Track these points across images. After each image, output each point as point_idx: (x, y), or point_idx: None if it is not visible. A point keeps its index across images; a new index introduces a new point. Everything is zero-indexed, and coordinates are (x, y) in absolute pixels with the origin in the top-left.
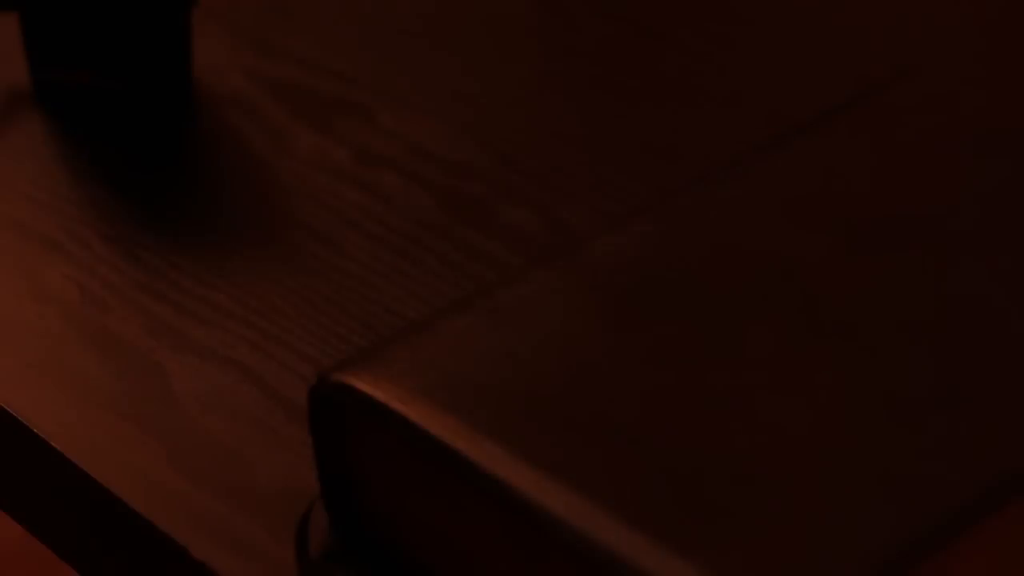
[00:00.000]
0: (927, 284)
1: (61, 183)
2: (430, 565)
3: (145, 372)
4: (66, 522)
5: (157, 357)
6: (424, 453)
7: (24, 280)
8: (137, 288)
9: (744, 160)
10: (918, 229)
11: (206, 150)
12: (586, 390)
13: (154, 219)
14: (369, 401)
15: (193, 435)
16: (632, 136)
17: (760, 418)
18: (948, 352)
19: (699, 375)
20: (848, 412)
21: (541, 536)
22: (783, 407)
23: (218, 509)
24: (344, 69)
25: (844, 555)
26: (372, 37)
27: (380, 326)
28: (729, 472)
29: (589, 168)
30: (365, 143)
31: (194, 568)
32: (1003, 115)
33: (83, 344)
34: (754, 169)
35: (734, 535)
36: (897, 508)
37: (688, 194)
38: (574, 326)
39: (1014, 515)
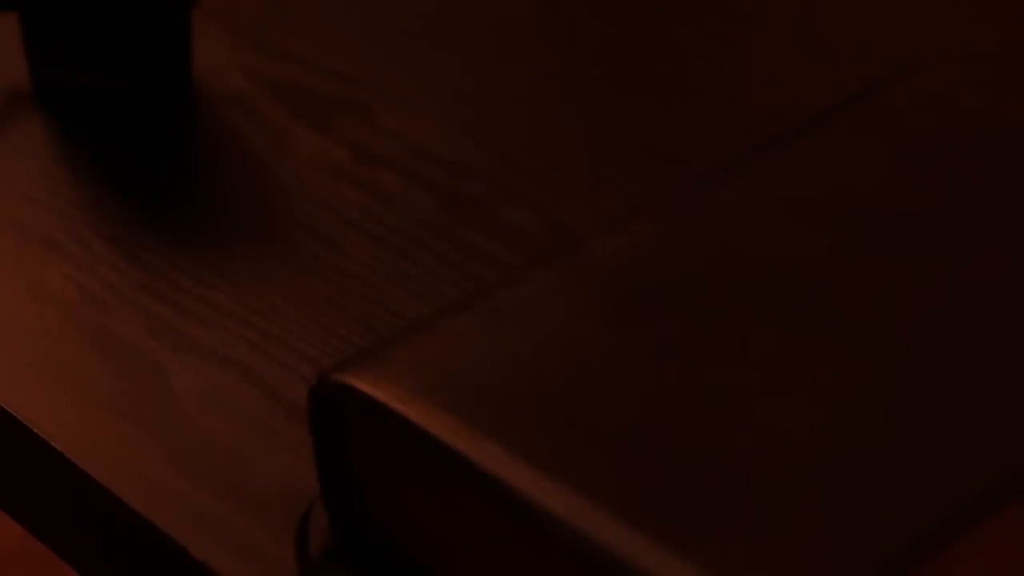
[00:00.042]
0: (927, 284)
1: (61, 183)
2: (430, 565)
3: (145, 372)
4: (66, 522)
5: (157, 357)
6: (424, 453)
7: (24, 280)
8: (137, 288)
9: (744, 160)
10: (918, 229)
11: (206, 150)
12: (586, 390)
13: (154, 219)
14: (369, 401)
15: (193, 435)
16: (632, 136)
17: (760, 418)
18: (948, 352)
19: (699, 375)
20: (848, 412)
21: (541, 536)
22: (783, 407)
23: (218, 509)
24: (344, 69)
25: (844, 555)
26: (372, 37)
27: (380, 326)
28: (729, 472)
29: (589, 168)
30: (365, 143)
31: (194, 568)
32: (1003, 115)
33: (83, 344)
34: (754, 169)
35: (734, 535)
36: (897, 508)
37: (688, 194)
38: (574, 326)
39: (1014, 515)
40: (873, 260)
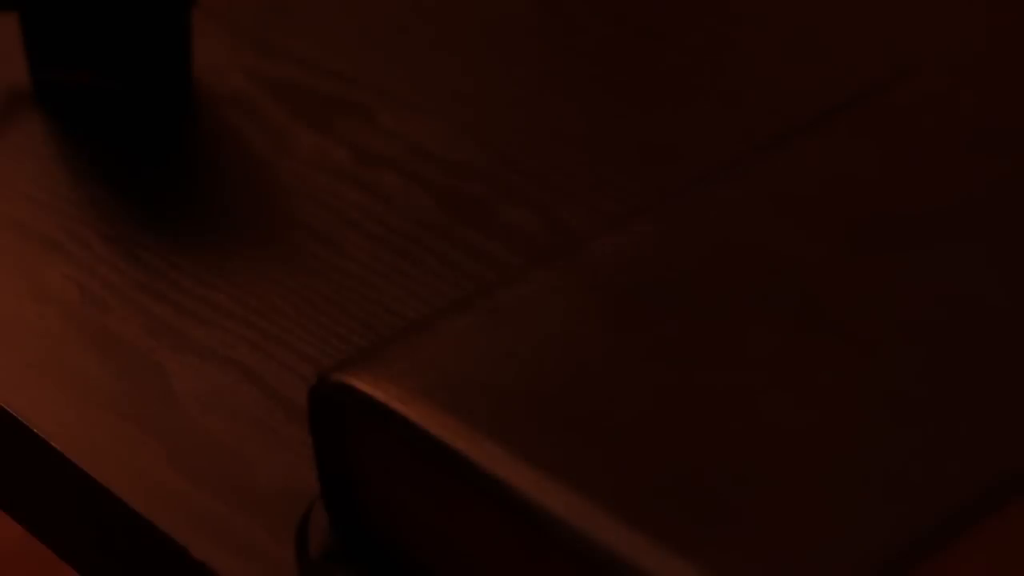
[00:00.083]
0: (927, 284)
1: (61, 183)
2: (430, 565)
3: (145, 372)
4: (66, 522)
5: (157, 357)
6: (424, 453)
7: (24, 280)
8: (137, 288)
9: (744, 160)
10: (918, 229)
11: (206, 150)
12: (586, 390)
13: (154, 219)
14: (369, 401)
15: (193, 435)
16: (632, 136)
17: (760, 418)
18: (948, 352)
19: (699, 375)
20: (848, 412)
21: (541, 536)
22: (783, 407)
23: (218, 509)
24: (344, 69)
25: (844, 555)
26: (372, 37)
27: (380, 326)
28: (729, 472)
29: (589, 168)
30: (365, 143)
31: (194, 568)
32: (1003, 115)
33: (83, 344)
34: (754, 169)
35: (734, 535)
36: (897, 508)
37: (688, 194)
38: (574, 326)
39: (1014, 515)
40: (873, 260)
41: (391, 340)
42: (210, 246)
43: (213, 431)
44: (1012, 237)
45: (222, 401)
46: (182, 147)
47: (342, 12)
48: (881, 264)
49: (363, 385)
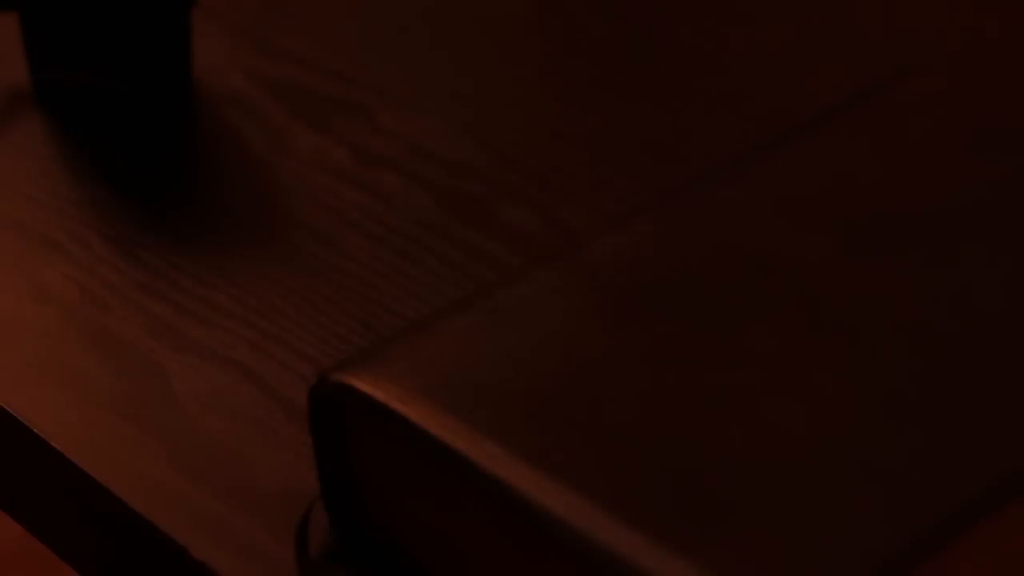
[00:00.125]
0: (927, 284)
1: (61, 183)
2: (430, 565)
3: (145, 372)
4: (66, 522)
5: (157, 357)
6: (424, 453)
7: (24, 280)
8: (137, 288)
9: (744, 160)
10: (918, 229)
11: (206, 150)
12: (586, 390)
13: (154, 219)
14: (369, 401)
15: (193, 435)
16: (632, 136)
17: (760, 418)
18: (948, 352)
19: (699, 375)
20: (847, 412)
21: (541, 536)
22: (783, 407)
23: (218, 509)
24: (344, 69)
25: (844, 555)
26: (372, 37)
27: (380, 326)
28: (729, 472)
29: (589, 168)
30: (365, 143)
31: (194, 568)
32: (1003, 115)
33: (83, 344)
34: (754, 169)
35: (734, 535)
36: (897, 508)
37: (688, 194)
38: (574, 326)
39: (1014, 515)
40: (873, 260)
41: (391, 340)
42: (210, 246)
43: (213, 431)
44: (1012, 237)
45: (222, 401)
46: (182, 147)
47: (342, 12)
48: (881, 264)
49: (363, 385)
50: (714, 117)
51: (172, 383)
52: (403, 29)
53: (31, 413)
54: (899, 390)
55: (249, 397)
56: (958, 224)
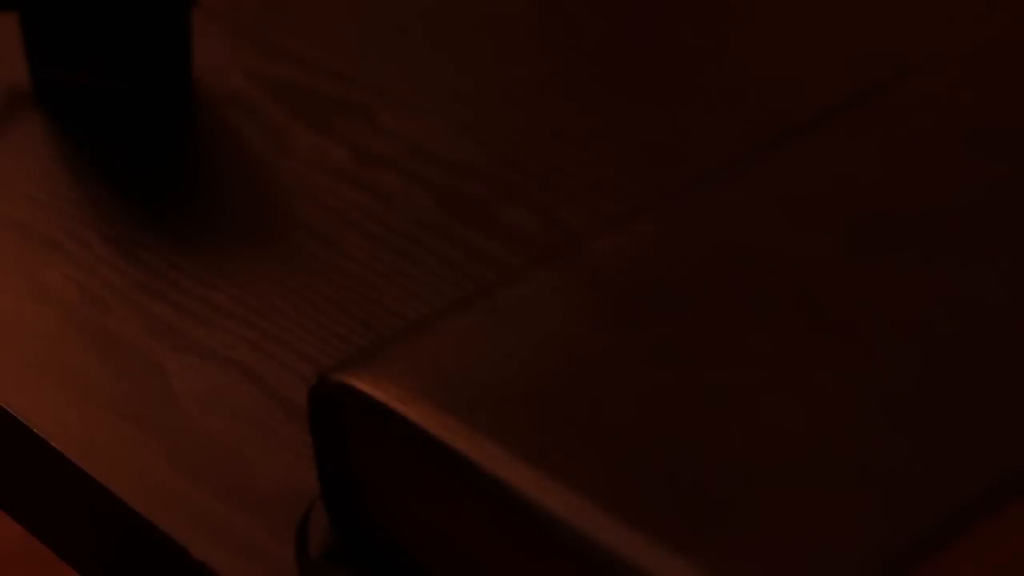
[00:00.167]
0: (927, 284)
1: (61, 183)
2: (430, 565)
3: (145, 372)
4: (66, 522)
5: (157, 357)
6: (424, 453)
7: (24, 280)
8: (137, 288)
9: (744, 160)
10: (918, 229)
11: (206, 150)
12: (586, 390)
13: (154, 219)
14: (369, 401)
15: (193, 435)
16: (632, 136)
17: (760, 418)
18: (948, 352)
19: (699, 375)
20: (848, 412)
21: (541, 536)
22: (783, 407)
23: (218, 509)
24: (344, 69)
25: (844, 555)
26: (372, 37)
27: (380, 326)
28: (729, 472)
29: (589, 168)
30: (365, 143)
31: (194, 568)
32: (1002, 115)
33: (83, 344)
34: (754, 169)
35: (734, 535)
36: (897, 508)
37: (688, 194)
38: (574, 326)
39: (1014, 515)
40: (873, 260)
41: (391, 340)
42: (210, 246)
43: (213, 431)
44: (1012, 237)
45: (222, 401)
46: (182, 147)
47: (342, 12)
48: (881, 264)
49: (363, 385)
50: (714, 117)
51: (172, 383)
52: (403, 29)
53: (31, 413)
54: (899, 390)
55: (249, 397)
56: (958, 224)
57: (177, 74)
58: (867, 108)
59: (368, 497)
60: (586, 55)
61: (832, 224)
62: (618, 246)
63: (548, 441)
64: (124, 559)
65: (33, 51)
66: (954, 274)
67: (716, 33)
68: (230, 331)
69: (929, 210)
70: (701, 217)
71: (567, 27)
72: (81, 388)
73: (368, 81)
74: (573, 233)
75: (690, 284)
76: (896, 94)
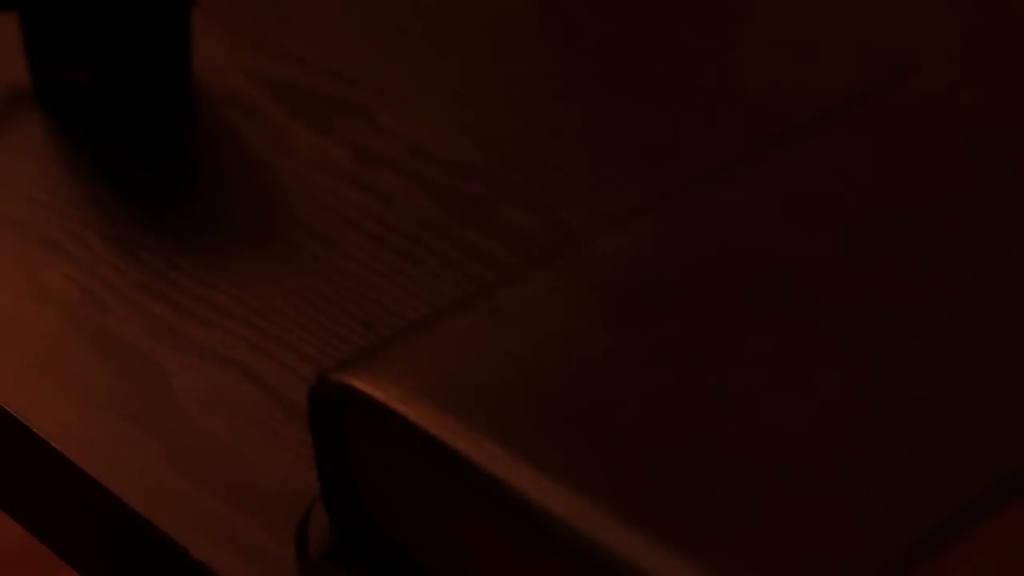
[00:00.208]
0: (927, 284)
1: (61, 183)
2: (430, 565)
3: (145, 372)
4: (66, 522)
5: (157, 357)
6: (424, 453)
7: (24, 280)
8: (137, 288)
9: (744, 160)
10: (918, 229)
11: (206, 150)
12: (586, 390)
13: (154, 219)
14: (369, 401)
15: (193, 435)
16: (632, 136)
17: (760, 418)
18: (947, 352)
19: (699, 375)
20: (847, 412)
21: (541, 536)
22: (783, 407)
23: (218, 509)
24: (344, 69)
25: (844, 555)
26: (372, 37)
27: (380, 326)
28: (729, 472)
29: (589, 168)
30: (365, 143)
31: (194, 568)
32: (1002, 115)
33: (83, 344)
34: (754, 169)
35: (734, 535)
36: (897, 508)
37: (688, 194)
38: (574, 326)
39: (1014, 515)
40: (873, 260)
41: (391, 340)
42: (210, 246)
43: (213, 431)
44: (1012, 237)
45: (222, 401)
46: (182, 147)
47: (342, 12)
48: (881, 264)
49: (363, 385)
50: (714, 117)
51: (172, 383)
52: (403, 29)
53: (31, 413)
54: (899, 390)
55: (249, 397)
56: (958, 224)
57: (177, 74)
58: (867, 108)
59: (368, 497)
60: (586, 55)
61: (832, 224)
62: (618, 246)
63: (548, 441)
64: (124, 559)
65: (33, 51)
66: (954, 274)
67: (716, 33)
68: (230, 331)
69: (929, 210)
70: (701, 217)
71: (567, 27)
72: (81, 388)
73: (368, 81)
74: (573, 233)
75: (690, 284)
76: (896, 94)
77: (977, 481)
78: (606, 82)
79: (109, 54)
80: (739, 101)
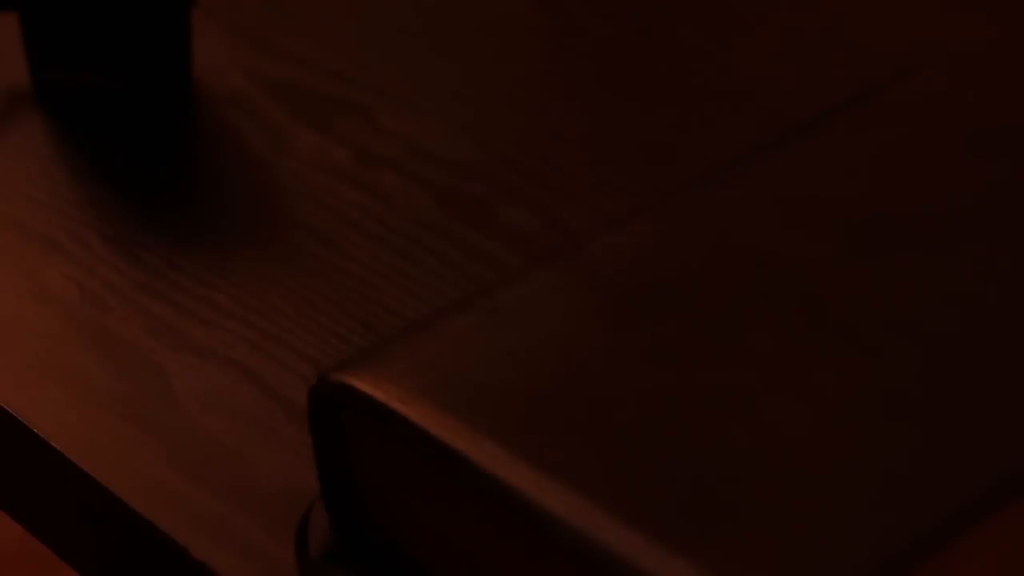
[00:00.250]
0: (927, 284)
1: (61, 183)
2: (430, 565)
3: (145, 372)
4: (66, 522)
5: (157, 357)
6: (424, 453)
7: (24, 280)
8: (137, 288)
9: (744, 160)
10: (918, 229)
11: (206, 150)
12: (586, 390)
13: (154, 219)
14: (369, 401)
15: (193, 435)
16: (632, 136)
17: (760, 418)
18: (948, 352)
19: (699, 375)
20: (848, 412)
21: (541, 536)
22: (783, 407)
23: (218, 509)
24: (344, 69)
25: (844, 555)
26: (372, 37)
27: (380, 326)
28: (729, 472)
29: (589, 168)
30: (365, 143)
31: (194, 568)
32: (1003, 115)
33: (83, 344)
34: (754, 169)
35: (734, 535)
36: (897, 508)
37: (688, 194)
38: (574, 326)
39: (1014, 515)
40: (873, 260)
41: (391, 340)
42: (210, 246)
43: (213, 431)
44: (1012, 237)
45: (222, 401)
46: (182, 147)
47: (342, 12)
48: (881, 264)
49: (363, 385)
50: (714, 117)
51: (172, 383)
52: (403, 29)
53: (31, 413)
54: (899, 390)
55: (249, 397)
56: (958, 224)
57: (177, 74)
58: (867, 108)
59: (368, 497)
60: (586, 55)
61: (832, 224)
62: (618, 246)
63: (548, 441)
64: (124, 559)
65: (33, 51)
66: (954, 274)
67: (716, 33)
68: (230, 331)
69: (929, 210)
70: (701, 217)
71: (567, 27)
72: (81, 388)
73: (368, 81)
74: (573, 233)
75: (690, 284)
76: (896, 94)
77: (977, 481)
78: (606, 82)
79: (109, 54)
80: (739, 101)
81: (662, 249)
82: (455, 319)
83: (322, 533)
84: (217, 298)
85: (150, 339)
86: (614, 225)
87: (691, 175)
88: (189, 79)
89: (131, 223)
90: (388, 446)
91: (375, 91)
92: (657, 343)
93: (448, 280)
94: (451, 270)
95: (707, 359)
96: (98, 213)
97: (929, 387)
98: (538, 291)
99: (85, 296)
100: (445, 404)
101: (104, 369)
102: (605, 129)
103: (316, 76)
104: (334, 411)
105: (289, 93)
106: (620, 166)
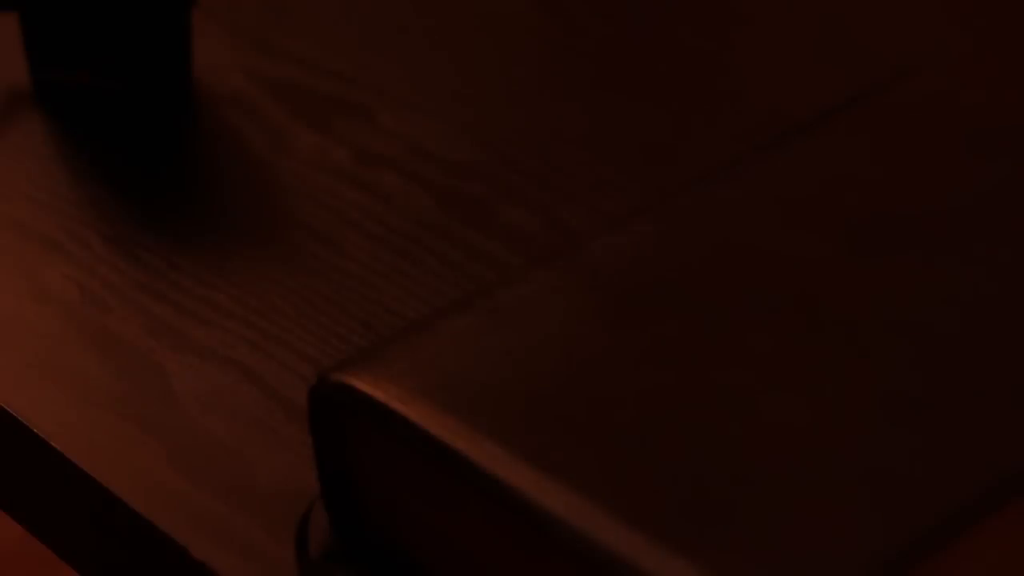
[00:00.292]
0: (927, 284)
1: (61, 183)
2: (430, 565)
3: (145, 372)
4: (66, 522)
5: (157, 357)
6: (424, 453)
7: (24, 280)
8: (137, 288)
9: (744, 160)
10: (918, 229)
11: (206, 150)
12: (586, 390)
13: (154, 219)
14: (369, 401)
15: (193, 435)
16: (632, 136)
17: (760, 418)
18: (948, 352)
19: (699, 375)
20: (848, 412)
21: (541, 536)
22: (783, 407)
23: (218, 509)
24: (344, 69)
25: (844, 555)
26: (372, 37)
27: (380, 326)
28: (729, 472)
29: (589, 168)
30: (365, 143)
31: (194, 568)
32: (1003, 115)
33: (83, 344)
34: (754, 169)
35: (734, 535)
36: (897, 508)
37: (688, 194)
38: (574, 326)
39: (1014, 515)
40: (873, 260)
41: (391, 340)
42: (210, 246)
43: (213, 431)
44: (1012, 237)
45: (222, 401)
46: (182, 147)
47: (342, 12)
48: (881, 264)
49: (363, 385)
50: (714, 117)
51: (172, 383)
52: (403, 29)
53: (31, 413)
54: (899, 390)
55: (249, 397)
56: (958, 224)
57: (177, 74)
58: (867, 108)
59: (368, 497)
60: (586, 55)
61: (832, 224)
62: (618, 246)
63: (548, 441)
64: (124, 559)
65: (33, 51)
66: (954, 274)
67: (716, 33)
68: (230, 331)
69: (929, 210)
70: (701, 217)
71: (567, 27)
72: (81, 388)
73: (368, 81)
74: (573, 233)
75: (690, 284)
76: (896, 94)
77: (977, 481)
78: (606, 82)
79: (109, 54)
80: (739, 101)
81: (662, 249)
82: (455, 319)
83: (322, 533)
84: (217, 298)
85: (150, 339)
86: (614, 225)
87: (691, 175)
88: (189, 79)
89: (131, 223)
90: (388, 446)
91: (375, 91)
92: (657, 343)
93: (448, 280)
94: (451, 270)
95: (707, 359)
96: (98, 213)
97: (929, 387)
98: (538, 291)
99: (85, 296)
100: (445, 404)
101: (104, 369)
102: (605, 129)
103: (316, 76)
104: (334, 411)
105: (289, 93)
106: (620, 166)
